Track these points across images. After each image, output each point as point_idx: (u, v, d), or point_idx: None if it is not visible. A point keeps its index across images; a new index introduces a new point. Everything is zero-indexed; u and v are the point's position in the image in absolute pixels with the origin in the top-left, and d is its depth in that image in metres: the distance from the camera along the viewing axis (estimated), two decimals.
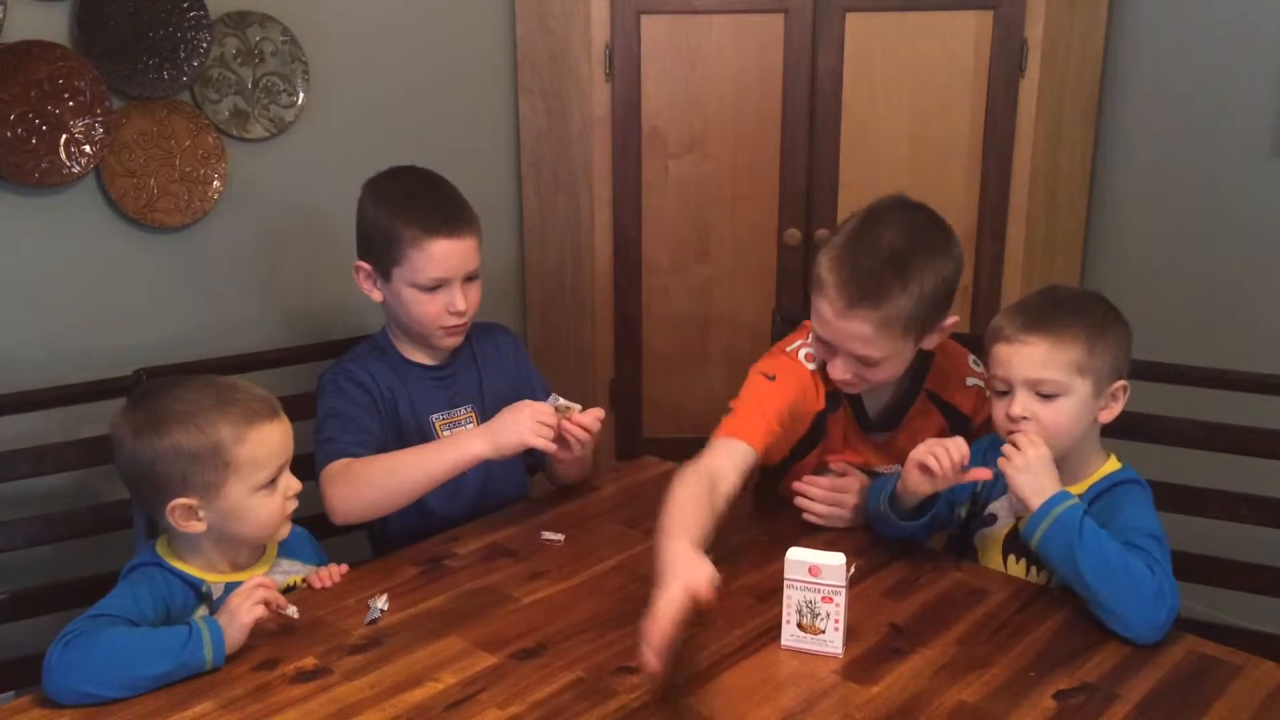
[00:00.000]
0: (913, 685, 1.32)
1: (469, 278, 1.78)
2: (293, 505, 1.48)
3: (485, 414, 1.85)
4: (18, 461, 1.75)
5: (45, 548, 1.80)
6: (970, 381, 1.78)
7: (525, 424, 1.63)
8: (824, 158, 2.43)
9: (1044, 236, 2.48)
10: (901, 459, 1.68)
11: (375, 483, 1.65)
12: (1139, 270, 2.60)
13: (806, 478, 1.74)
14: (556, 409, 1.68)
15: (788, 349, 1.75)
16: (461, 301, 1.77)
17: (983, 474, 1.51)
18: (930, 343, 1.66)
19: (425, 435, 1.81)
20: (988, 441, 1.65)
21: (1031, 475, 1.46)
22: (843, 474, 1.73)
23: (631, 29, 2.41)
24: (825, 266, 1.59)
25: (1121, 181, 2.60)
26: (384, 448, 1.73)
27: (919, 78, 2.38)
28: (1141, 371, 1.91)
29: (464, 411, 1.86)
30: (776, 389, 1.67)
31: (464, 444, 1.66)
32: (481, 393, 1.87)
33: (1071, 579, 1.44)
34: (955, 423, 1.76)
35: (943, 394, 1.77)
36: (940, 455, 1.48)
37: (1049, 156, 2.43)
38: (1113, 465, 1.57)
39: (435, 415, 1.83)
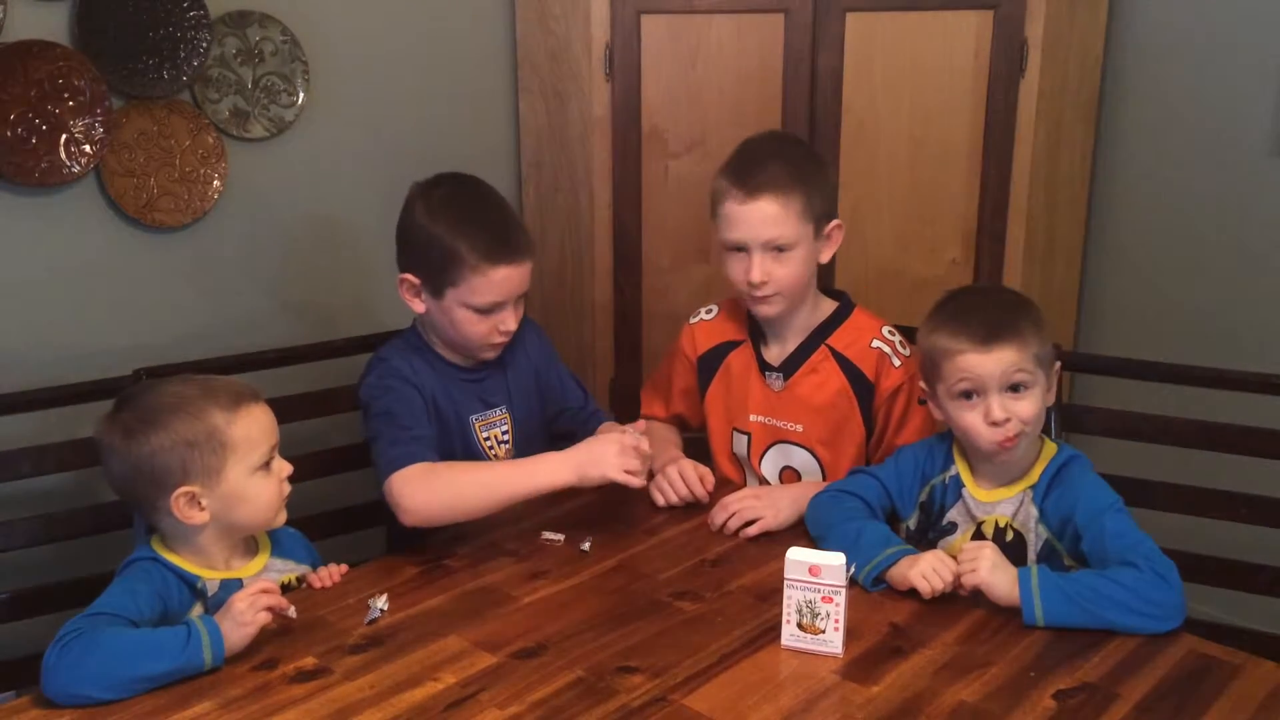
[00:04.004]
0: (913, 685, 1.32)
1: (519, 298, 1.79)
2: (287, 489, 1.52)
3: (514, 411, 1.88)
4: (18, 461, 1.76)
5: (45, 548, 1.80)
6: (874, 344, 1.84)
7: (612, 460, 1.63)
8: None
9: (1044, 236, 2.48)
10: (800, 415, 1.85)
11: (464, 494, 1.65)
12: (1139, 270, 2.59)
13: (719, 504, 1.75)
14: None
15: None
16: (513, 322, 1.78)
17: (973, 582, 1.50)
18: (825, 254, 1.83)
19: (466, 436, 1.83)
20: (929, 444, 1.69)
21: (1000, 569, 1.46)
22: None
23: (631, 29, 2.41)
24: (722, 177, 1.81)
25: (1121, 181, 2.60)
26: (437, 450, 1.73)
27: (919, 78, 2.38)
28: (1142, 371, 1.92)
29: (498, 413, 1.87)
30: (665, 362, 2.03)
31: (552, 471, 1.65)
32: (509, 392, 1.88)
33: (1097, 624, 1.42)
34: (858, 386, 1.83)
35: (847, 353, 1.84)
36: (932, 580, 1.47)
37: (1049, 156, 2.43)
38: (1051, 448, 1.62)
39: (473, 416, 1.84)
